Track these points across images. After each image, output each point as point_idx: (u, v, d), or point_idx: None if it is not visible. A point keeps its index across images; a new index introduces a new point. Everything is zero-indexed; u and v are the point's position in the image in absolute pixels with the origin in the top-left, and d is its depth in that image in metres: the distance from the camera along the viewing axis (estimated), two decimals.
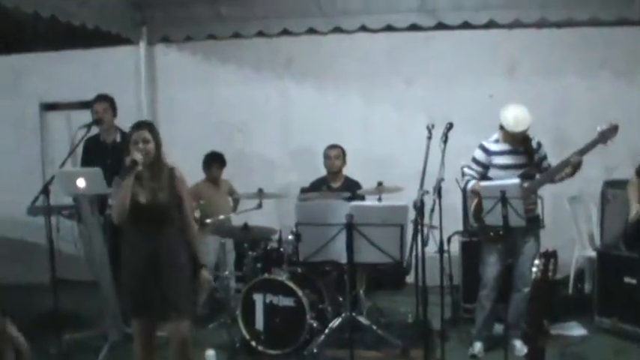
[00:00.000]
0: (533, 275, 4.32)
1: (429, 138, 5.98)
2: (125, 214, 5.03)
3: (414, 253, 5.73)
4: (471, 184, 6.54)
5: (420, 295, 5.78)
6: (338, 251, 5.37)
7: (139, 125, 5.22)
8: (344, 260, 5.36)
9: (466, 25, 8.68)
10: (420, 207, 5.48)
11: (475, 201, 6.51)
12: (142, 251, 5.10)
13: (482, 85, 9.04)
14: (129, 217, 5.05)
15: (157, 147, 5.14)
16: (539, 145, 6.56)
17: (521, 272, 6.40)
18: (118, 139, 7.52)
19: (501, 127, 6.42)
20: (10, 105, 9.94)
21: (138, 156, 5.00)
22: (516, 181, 6.11)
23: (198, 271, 5.31)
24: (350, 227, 5.24)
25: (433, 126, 6.00)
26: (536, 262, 4.32)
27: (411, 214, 5.51)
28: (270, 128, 9.69)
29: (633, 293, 6.75)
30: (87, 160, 7.47)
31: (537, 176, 6.48)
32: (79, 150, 7.42)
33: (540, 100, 8.09)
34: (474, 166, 6.59)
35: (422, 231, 5.51)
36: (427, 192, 5.66)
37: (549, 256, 4.28)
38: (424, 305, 5.78)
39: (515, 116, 6.29)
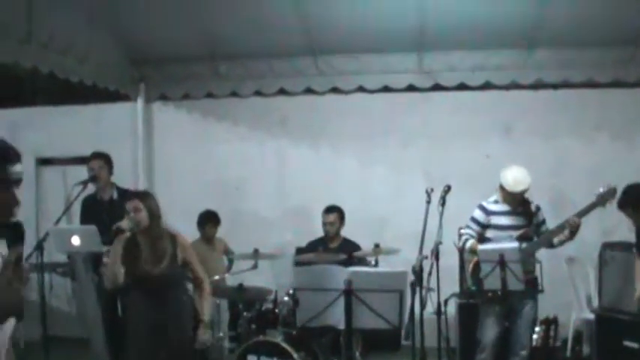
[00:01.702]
0: (534, 342, 4.28)
1: (428, 202, 6.00)
2: (117, 282, 5.09)
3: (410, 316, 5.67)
4: (470, 243, 6.53)
5: (420, 358, 5.70)
6: (336, 316, 5.28)
7: (130, 195, 5.38)
8: (342, 326, 5.29)
9: (462, 86, 8.74)
10: (419, 272, 5.45)
11: (473, 260, 6.48)
12: (147, 317, 5.13)
13: (479, 146, 9.06)
14: (133, 283, 5.10)
15: (151, 215, 5.16)
16: (537, 208, 6.58)
17: (518, 336, 6.37)
18: (115, 196, 7.50)
19: (501, 188, 6.42)
20: None
21: (124, 223, 5.09)
22: (515, 244, 6.10)
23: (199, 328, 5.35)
24: (348, 293, 5.18)
25: (432, 190, 6.03)
26: (537, 328, 4.29)
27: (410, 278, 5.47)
28: (266, 187, 9.66)
29: (633, 357, 6.68)
30: (85, 219, 7.44)
31: (535, 239, 6.46)
32: (74, 207, 7.38)
33: (537, 161, 8.08)
34: (473, 225, 6.59)
35: (420, 296, 5.46)
36: (426, 257, 5.65)
37: (550, 323, 4.24)
38: None
39: (514, 176, 6.32)
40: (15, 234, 2.46)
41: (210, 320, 5.49)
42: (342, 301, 5.21)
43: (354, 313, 5.21)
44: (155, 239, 5.20)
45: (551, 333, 4.19)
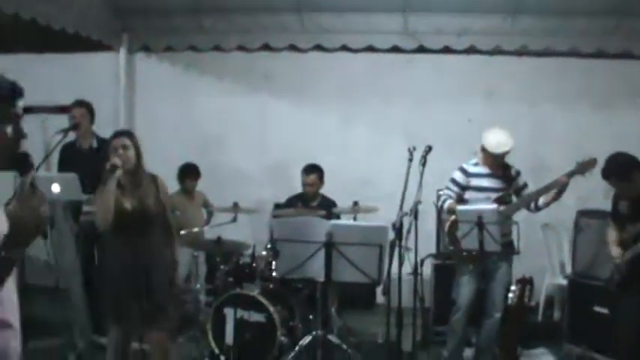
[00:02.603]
0: (509, 301, 4.34)
1: (410, 160, 6.01)
2: (110, 219, 5.04)
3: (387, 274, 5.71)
4: (448, 203, 6.57)
5: (396, 317, 5.76)
6: (315, 269, 5.32)
7: (118, 133, 5.26)
8: (321, 278, 5.34)
9: (447, 50, 8.76)
10: (399, 228, 5.49)
11: (451, 219, 6.54)
12: (129, 258, 5.10)
13: (461, 110, 9.11)
14: (113, 224, 5.05)
15: (137, 154, 5.16)
16: (517, 173, 6.60)
17: (493, 298, 6.42)
18: (95, 145, 7.47)
19: (482, 150, 6.45)
20: None
21: (117, 160, 5.03)
22: (494, 206, 6.15)
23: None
24: (329, 245, 5.23)
25: (415, 148, 6.04)
26: (513, 287, 4.35)
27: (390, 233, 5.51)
28: (247, 142, 9.67)
29: (603, 322, 6.78)
30: (63, 166, 7.41)
31: (515, 200, 6.51)
32: (53, 156, 7.33)
33: (518, 127, 8.05)
34: (452, 186, 6.61)
35: (400, 252, 5.51)
36: (406, 214, 5.68)
37: (525, 282, 4.31)
38: (399, 326, 5.76)
39: (497, 138, 6.34)
40: (26, 163, 2.58)
41: (187, 274, 5.51)
42: (322, 254, 5.26)
43: (333, 266, 5.26)
44: (140, 179, 5.19)
45: (527, 292, 4.26)
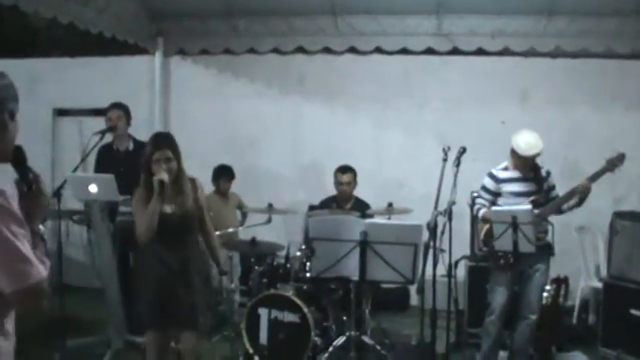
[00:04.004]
0: (544, 301, 4.33)
1: (445, 160, 6.00)
2: (152, 233, 5.09)
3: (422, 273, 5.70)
4: (482, 212, 6.53)
5: (430, 318, 5.74)
6: (350, 268, 5.36)
7: (160, 143, 5.22)
8: (356, 277, 5.37)
9: (481, 51, 8.74)
10: (433, 228, 5.49)
11: (486, 227, 6.51)
12: (170, 262, 5.13)
13: (495, 112, 9.07)
14: (160, 227, 5.11)
15: (178, 162, 5.17)
16: (548, 173, 6.53)
17: (528, 300, 6.32)
18: (131, 147, 7.56)
19: (512, 152, 6.41)
20: (23, 109, 9.82)
21: (165, 176, 5.05)
22: (528, 207, 6.10)
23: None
24: (364, 244, 5.24)
25: (449, 148, 6.04)
26: (548, 287, 4.34)
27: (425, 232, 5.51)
28: (281, 144, 9.71)
29: (639, 325, 6.73)
30: (99, 168, 7.50)
31: (546, 204, 6.46)
32: (90, 157, 7.43)
33: (551, 129, 8.10)
34: (484, 194, 6.55)
35: (435, 253, 5.50)
36: (441, 213, 5.67)
37: (561, 282, 4.30)
38: (433, 328, 5.74)
39: (526, 140, 6.28)
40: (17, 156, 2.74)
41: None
42: (357, 253, 5.28)
43: (368, 265, 5.28)
44: (180, 184, 5.19)
45: (562, 292, 4.25)
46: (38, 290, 2.49)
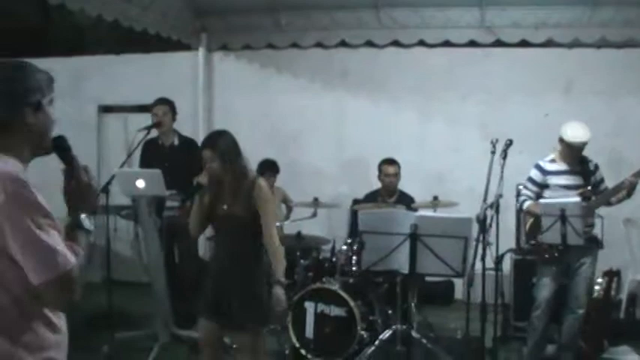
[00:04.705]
0: (595, 293, 4.30)
1: (493, 153, 5.97)
2: (197, 233, 5.17)
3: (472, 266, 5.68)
4: (527, 204, 6.51)
5: (480, 312, 5.73)
6: (400, 261, 5.36)
7: (203, 144, 5.20)
8: (405, 270, 5.37)
9: (524, 43, 8.67)
10: (482, 221, 5.47)
11: (530, 221, 6.48)
12: (220, 259, 5.16)
13: (538, 104, 8.99)
14: (214, 225, 5.16)
15: (225, 160, 5.05)
16: (596, 167, 6.49)
17: (576, 294, 6.29)
18: (176, 142, 7.64)
19: (560, 141, 6.37)
20: (69, 106, 10.04)
21: (203, 179, 5.09)
22: (577, 199, 6.07)
23: (274, 287, 5.15)
24: (414, 237, 5.25)
25: (497, 140, 6.01)
26: (599, 280, 4.30)
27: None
28: (324, 139, 9.73)
29: None
30: (145, 163, 7.58)
31: (594, 197, 6.41)
32: (134, 153, 7.49)
33: (596, 121, 7.93)
34: (530, 185, 6.54)
35: (484, 245, 5.49)
36: (490, 206, 5.66)
37: (613, 275, 4.27)
38: (482, 321, 5.73)
39: (574, 129, 6.26)
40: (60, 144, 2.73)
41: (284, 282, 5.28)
42: (407, 246, 5.28)
43: (418, 258, 5.28)
44: (237, 181, 5.11)
45: (614, 285, 4.22)
46: (67, 280, 2.44)
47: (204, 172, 5.12)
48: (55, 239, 2.44)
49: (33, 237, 2.39)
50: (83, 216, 2.71)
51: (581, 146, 6.30)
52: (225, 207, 5.09)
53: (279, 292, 5.12)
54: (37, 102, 2.63)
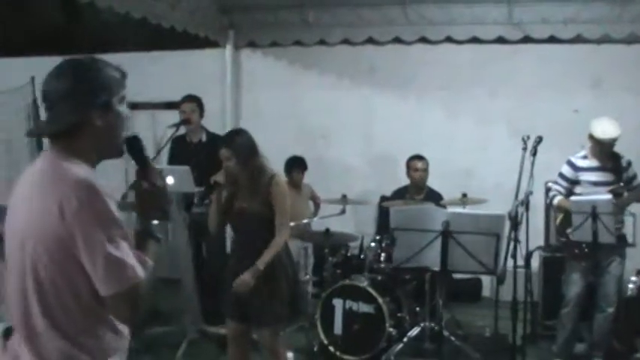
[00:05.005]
0: (629, 292, 4.28)
1: (524, 149, 5.94)
2: (214, 230, 5.21)
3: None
4: (557, 199, 6.48)
5: (510, 310, 5.69)
6: (431, 258, 5.35)
7: (221, 142, 5.24)
8: (437, 267, 5.37)
9: (553, 40, 8.60)
10: (514, 218, 5.45)
11: (560, 217, 6.45)
12: (239, 257, 5.19)
13: (567, 100, 8.93)
14: (231, 224, 5.21)
15: (241, 159, 5.07)
16: (628, 163, 6.45)
17: (605, 292, 6.26)
18: (204, 139, 7.66)
19: (590, 138, 6.34)
20: None
21: (219, 177, 5.12)
22: (608, 196, 6.04)
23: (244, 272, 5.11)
24: (446, 234, 5.24)
25: (528, 137, 5.98)
26: (633, 278, 4.28)
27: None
28: (352, 135, 9.73)
29: None
30: (173, 160, 7.61)
31: (625, 194, 6.36)
32: (165, 149, 7.52)
33: (627, 117, 7.84)
34: (561, 181, 6.52)
35: (516, 243, 5.46)
36: (522, 203, 5.63)
37: None
38: (514, 320, 5.69)
39: (604, 125, 6.23)
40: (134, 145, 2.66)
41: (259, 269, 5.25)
42: (438, 243, 5.27)
43: (449, 255, 5.27)
44: (253, 179, 5.13)
45: None
46: (134, 294, 2.38)
47: (221, 171, 5.16)
48: (125, 251, 2.39)
49: (103, 249, 2.33)
50: (155, 222, 2.66)
51: (611, 142, 6.26)
52: (243, 205, 5.12)
53: (245, 276, 5.04)
54: (106, 102, 2.52)
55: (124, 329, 2.60)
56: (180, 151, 7.62)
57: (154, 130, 9.55)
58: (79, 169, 2.43)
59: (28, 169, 2.57)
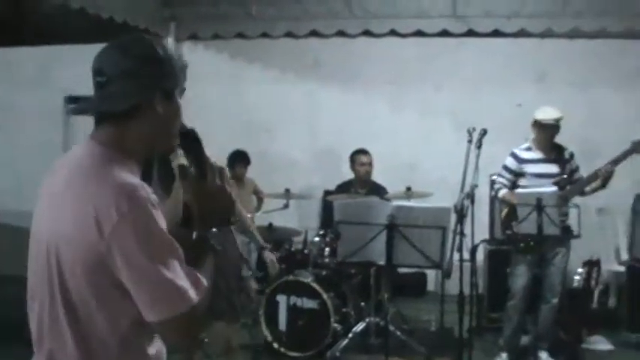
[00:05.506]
0: (575, 283, 4.26)
1: (470, 142, 5.91)
2: (174, 222, 5.04)
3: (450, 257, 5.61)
4: (502, 192, 6.47)
5: (457, 303, 5.65)
6: (377, 252, 5.27)
7: None
8: (382, 262, 5.29)
9: (497, 33, 8.60)
10: (460, 210, 5.40)
11: (506, 210, 6.44)
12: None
13: (511, 94, 8.97)
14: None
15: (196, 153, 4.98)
16: (571, 155, 6.48)
17: (550, 283, 6.29)
18: None
19: (534, 125, 6.35)
20: (35, 97, 9.88)
21: (182, 160, 4.99)
22: (554, 189, 6.06)
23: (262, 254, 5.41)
24: (391, 228, 5.16)
25: (474, 129, 5.95)
26: (580, 270, 4.27)
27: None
28: (296, 129, 9.66)
29: None
30: None
31: (569, 186, 6.38)
32: None
33: (570, 111, 7.89)
34: (505, 174, 6.51)
35: (462, 236, 5.41)
36: (468, 196, 5.59)
37: (593, 265, 4.23)
38: (460, 313, 5.64)
39: (546, 109, 6.28)
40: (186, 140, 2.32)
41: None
42: (384, 236, 5.19)
43: (395, 249, 5.20)
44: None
45: (594, 274, 4.18)
46: (186, 320, 2.05)
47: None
48: (176, 272, 2.04)
49: (149, 271, 2.00)
50: (214, 231, 2.30)
51: (554, 124, 6.29)
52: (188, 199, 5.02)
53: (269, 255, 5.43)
54: (171, 89, 2.25)
55: (163, 352, 2.26)
56: None
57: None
58: (122, 170, 2.10)
59: (66, 156, 2.26)
